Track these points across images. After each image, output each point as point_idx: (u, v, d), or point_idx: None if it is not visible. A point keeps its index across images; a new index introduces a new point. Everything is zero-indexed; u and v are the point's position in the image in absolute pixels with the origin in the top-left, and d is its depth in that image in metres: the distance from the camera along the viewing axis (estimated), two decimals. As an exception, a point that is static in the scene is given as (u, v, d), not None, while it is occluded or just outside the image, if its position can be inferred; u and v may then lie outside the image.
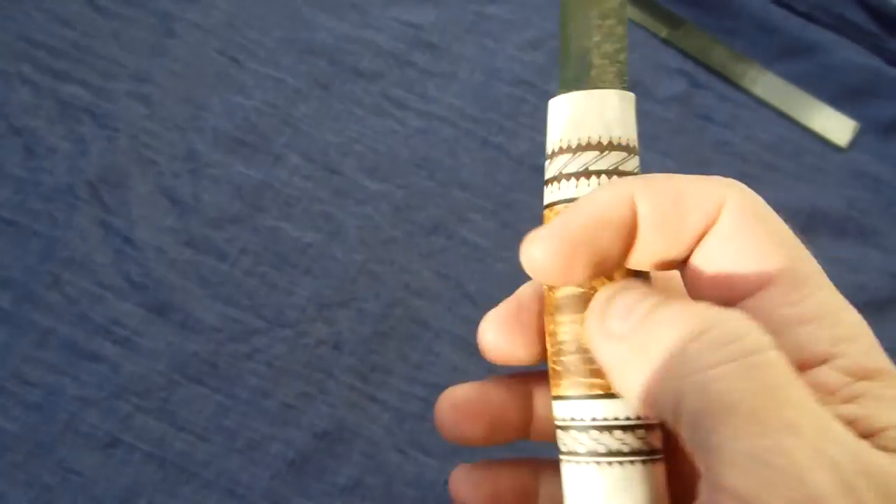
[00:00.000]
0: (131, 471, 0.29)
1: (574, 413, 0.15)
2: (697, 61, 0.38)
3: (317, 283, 0.32)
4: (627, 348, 0.14)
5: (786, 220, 0.29)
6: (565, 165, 0.15)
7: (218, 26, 0.35)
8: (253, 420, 0.30)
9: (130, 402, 0.29)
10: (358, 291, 0.32)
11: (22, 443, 0.29)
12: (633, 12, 0.37)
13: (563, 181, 0.15)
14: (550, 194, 0.16)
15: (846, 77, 0.37)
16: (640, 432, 0.15)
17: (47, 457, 0.28)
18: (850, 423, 0.12)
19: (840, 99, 0.37)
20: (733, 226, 0.14)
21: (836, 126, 0.38)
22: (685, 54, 0.38)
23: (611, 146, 0.15)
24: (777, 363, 0.12)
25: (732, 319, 0.13)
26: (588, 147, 0.15)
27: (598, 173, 0.15)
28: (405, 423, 0.30)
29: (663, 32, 0.38)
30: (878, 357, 0.14)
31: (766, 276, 0.14)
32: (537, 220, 0.39)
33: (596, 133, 0.15)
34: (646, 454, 0.15)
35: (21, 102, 0.34)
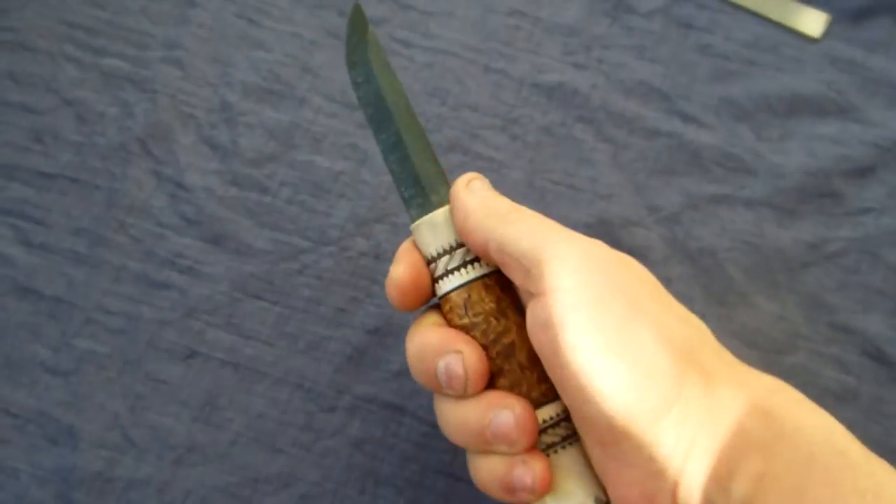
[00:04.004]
0: (210, 376, 0.36)
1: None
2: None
3: (352, 204, 0.39)
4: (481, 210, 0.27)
5: (768, 109, 0.42)
6: (435, 270, 0.27)
7: (237, -11, 0.43)
8: (311, 325, 0.37)
9: (201, 319, 0.37)
10: (389, 208, 0.39)
11: (113, 361, 0.36)
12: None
13: (440, 280, 0.27)
14: (444, 287, 0.28)
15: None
16: (566, 421, 0.26)
17: (136, 371, 0.36)
18: None
19: (807, -7, 0.44)
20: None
21: (808, 19, 0.45)
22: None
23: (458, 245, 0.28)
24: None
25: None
26: (439, 255, 0.27)
27: (466, 263, 0.27)
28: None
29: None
30: None
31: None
32: (542, 132, 0.48)
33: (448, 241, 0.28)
34: (574, 436, 0.26)
35: (68, 77, 0.41)
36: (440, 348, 0.26)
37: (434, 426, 0.36)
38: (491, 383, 0.26)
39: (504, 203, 0.27)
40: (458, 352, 0.26)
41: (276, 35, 0.44)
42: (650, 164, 0.42)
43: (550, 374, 0.25)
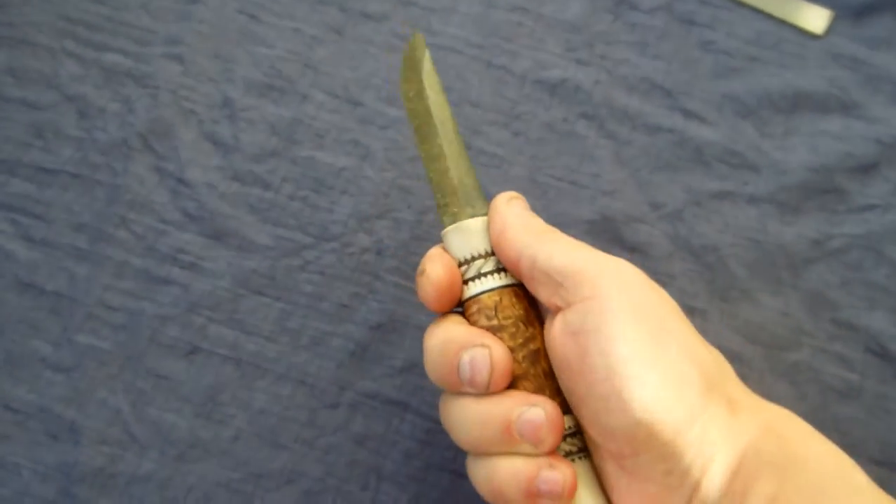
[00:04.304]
0: (212, 372, 0.36)
1: None
2: (674, -31, 0.45)
3: (354, 200, 0.39)
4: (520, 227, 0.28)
5: (771, 105, 0.41)
6: (466, 272, 0.28)
7: (239, -15, 0.43)
8: (313, 321, 0.37)
9: (203, 315, 0.37)
10: (392, 204, 0.39)
11: (115, 357, 0.36)
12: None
13: (471, 282, 0.28)
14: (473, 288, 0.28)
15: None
16: (579, 437, 0.27)
17: (138, 367, 0.36)
18: None
19: (809, -11, 0.44)
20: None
21: (811, 15, 0.45)
22: (663, -36, 0.45)
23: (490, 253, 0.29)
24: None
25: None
26: (472, 259, 0.28)
27: (499, 269, 0.28)
28: (449, 304, 0.38)
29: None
30: None
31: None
32: (544, 128, 0.48)
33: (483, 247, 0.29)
34: (585, 450, 0.27)
35: (69, 73, 0.41)
36: (466, 342, 0.26)
37: (437, 422, 0.36)
38: (512, 386, 0.26)
39: (540, 223, 0.28)
40: (486, 346, 0.26)
41: (277, 31, 0.44)
42: (653, 161, 0.42)
43: (574, 383, 0.25)
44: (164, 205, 0.40)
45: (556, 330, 0.26)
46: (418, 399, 0.37)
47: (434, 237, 0.40)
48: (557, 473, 0.24)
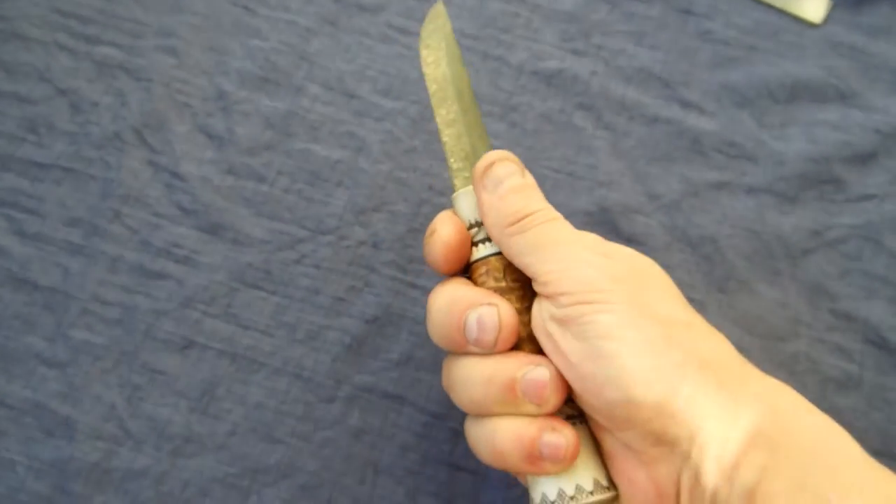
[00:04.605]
0: (208, 366, 0.36)
1: None
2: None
3: (350, 193, 0.39)
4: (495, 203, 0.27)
5: (769, 95, 0.41)
6: (476, 234, 0.29)
7: (232, -24, 0.42)
8: (309, 314, 0.37)
9: (198, 309, 0.37)
10: (388, 196, 0.39)
11: (109, 352, 0.36)
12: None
13: (481, 245, 0.29)
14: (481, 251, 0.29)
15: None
16: (576, 404, 0.27)
17: (133, 361, 0.36)
18: None
19: (807, -23, 0.44)
20: None
21: (809, 4, 0.45)
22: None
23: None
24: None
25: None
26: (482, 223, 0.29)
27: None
28: (445, 295, 0.37)
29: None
30: None
31: None
32: (541, 119, 0.48)
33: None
34: (581, 417, 0.27)
35: (61, 67, 0.41)
36: (474, 301, 0.26)
37: (434, 416, 0.36)
38: (516, 348, 0.26)
39: (513, 207, 0.27)
40: (494, 304, 0.26)
41: (271, 23, 0.44)
42: (650, 152, 0.41)
43: (572, 354, 0.25)
44: (158, 199, 0.40)
45: (544, 318, 0.26)
46: (415, 392, 0.36)
47: (430, 230, 0.40)
48: (560, 436, 0.24)
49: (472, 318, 0.26)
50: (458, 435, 0.36)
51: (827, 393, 0.37)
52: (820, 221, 0.40)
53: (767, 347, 0.38)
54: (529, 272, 0.26)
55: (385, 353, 0.37)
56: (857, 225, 0.40)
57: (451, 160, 0.30)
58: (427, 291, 0.38)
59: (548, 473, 0.25)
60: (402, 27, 0.44)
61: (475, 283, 0.28)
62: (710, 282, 0.39)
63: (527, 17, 0.44)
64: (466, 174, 0.29)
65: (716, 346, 0.26)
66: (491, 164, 0.27)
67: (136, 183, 0.40)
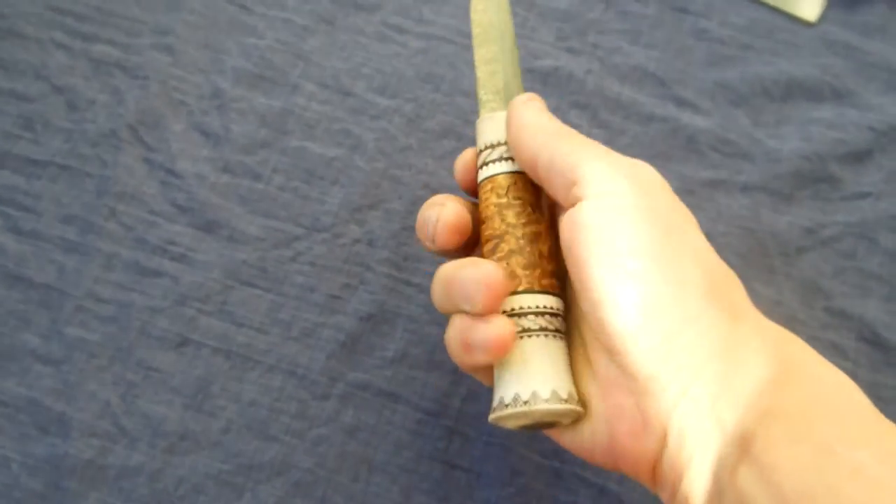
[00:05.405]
0: (202, 363, 0.36)
1: (530, 303, 0.27)
2: (667, -44, 0.45)
3: (345, 190, 0.39)
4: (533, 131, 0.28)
5: (764, 93, 0.41)
6: (488, 155, 0.29)
7: (228, -26, 0.43)
8: (304, 312, 0.37)
9: (193, 307, 0.37)
10: (383, 194, 0.39)
11: (104, 349, 0.36)
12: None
13: (491, 164, 0.29)
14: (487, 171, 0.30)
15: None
16: (559, 319, 0.27)
17: (127, 359, 0.36)
18: None
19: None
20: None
21: (804, 3, 0.45)
22: (655, -49, 0.45)
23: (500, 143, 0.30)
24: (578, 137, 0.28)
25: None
26: (496, 145, 0.29)
27: (503, 158, 0.29)
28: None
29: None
30: None
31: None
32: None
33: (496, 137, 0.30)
34: (563, 332, 0.27)
35: (58, 64, 0.41)
36: (432, 203, 0.29)
37: (428, 413, 0.36)
38: (504, 259, 0.27)
39: (556, 123, 0.28)
40: (439, 205, 0.29)
41: (267, 21, 0.44)
42: (646, 150, 0.42)
43: (574, 275, 0.25)
44: (153, 196, 0.40)
45: (566, 223, 0.25)
46: (409, 390, 0.36)
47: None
48: (490, 327, 0.25)
49: (421, 217, 0.29)
50: (453, 433, 0.36)
51: (821, 391, 0.37)
52: (815, 219, 0.40)
53: (762, 345, 0.38)
54: (569, 176, 0.26)
55: (380, 350, 0.37)
56: (852, 223, 0.40)
57: (482, 92, 0.31)
58: (422, 289, 0.39)
59: (478, 362, 0.26)
60: (398, 26, 0.44)
61: (480, 201, 0.29)
62: (705, 280, 0.39)
63: (523, 15, 0.44)
64: (494, 105, 0.30)
65: (731, 280, 0.26)
66: (531, 99, 0.29)
67: (131, 180, 0.40)
